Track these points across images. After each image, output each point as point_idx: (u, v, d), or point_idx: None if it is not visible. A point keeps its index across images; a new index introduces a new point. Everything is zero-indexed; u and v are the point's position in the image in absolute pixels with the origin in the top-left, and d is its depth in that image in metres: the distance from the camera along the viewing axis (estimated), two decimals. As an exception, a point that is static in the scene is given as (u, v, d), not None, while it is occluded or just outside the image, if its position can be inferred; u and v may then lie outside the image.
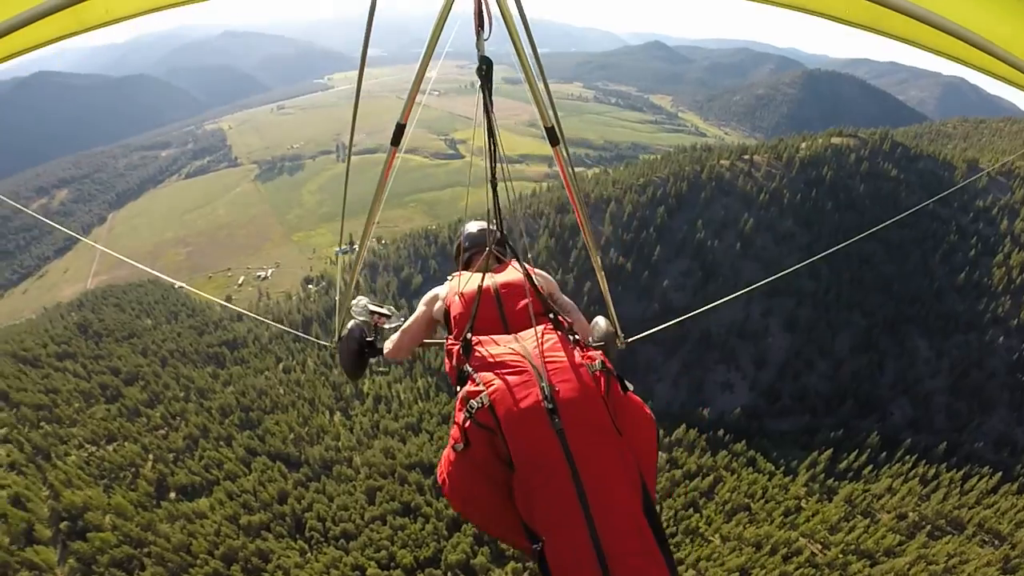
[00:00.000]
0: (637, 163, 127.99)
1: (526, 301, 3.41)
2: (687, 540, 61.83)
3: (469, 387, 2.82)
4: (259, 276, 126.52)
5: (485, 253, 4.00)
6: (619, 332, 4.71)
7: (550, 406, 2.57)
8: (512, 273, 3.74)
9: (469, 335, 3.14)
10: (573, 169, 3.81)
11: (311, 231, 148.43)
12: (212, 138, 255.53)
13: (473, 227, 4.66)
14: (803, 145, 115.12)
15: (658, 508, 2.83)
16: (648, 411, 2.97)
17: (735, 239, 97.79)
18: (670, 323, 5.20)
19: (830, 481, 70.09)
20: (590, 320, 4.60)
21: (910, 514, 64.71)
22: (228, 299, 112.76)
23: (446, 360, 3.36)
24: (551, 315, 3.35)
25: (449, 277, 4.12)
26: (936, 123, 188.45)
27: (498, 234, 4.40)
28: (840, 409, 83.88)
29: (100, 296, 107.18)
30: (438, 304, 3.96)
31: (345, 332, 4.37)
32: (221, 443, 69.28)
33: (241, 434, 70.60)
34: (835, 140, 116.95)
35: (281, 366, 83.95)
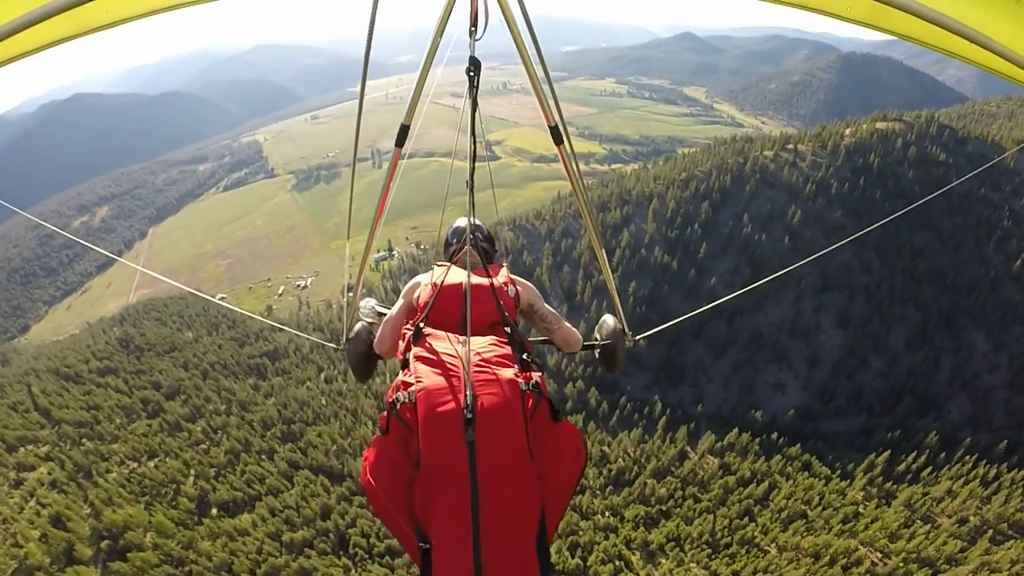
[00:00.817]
0: (676, 157, 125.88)
1: (488, 308, 3.42)
2: (743, 551, 59.90)
3: (403, 376, 2.92)
4: (299, 285, 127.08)
5: (464, 251, 4.02)
6: (627, 330, 4.62)
7: (469, 415, 2.59)
8: (494, 276, 3.74)
9: (422, 324, 3.28)
10: (579, 167, 3.75)
11: (351, 238, 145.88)
12: (248, 150, 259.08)
13: (463, 222, 4.58)
14: (847, 132, 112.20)
15: (551, 546, 2.83)
16: (580, 444, 3.02)
17: (783, 233, 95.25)
18: (674, 321, 5.19)
19: (888, 485, 67.64)
20: (598, 319, 4.70)
21: (971, 518, 62.08)
22: (269, 309, 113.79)
23: (399, 342, 3.48)
24: (508, 328, 3.35)
25: (434, 265, 4.12)
26: (979, 102, 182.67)
27: (476, 233, 4.15)
28: (896, 408, 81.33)
29: (142, 310, 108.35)
30: (416, 292, 3.94)
31: (352, 334, 4.37)
32: (263, 457, 68.68)
33: (283, 447, 69.96)
34: (880, 125, 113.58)
35: (323, 376, 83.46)
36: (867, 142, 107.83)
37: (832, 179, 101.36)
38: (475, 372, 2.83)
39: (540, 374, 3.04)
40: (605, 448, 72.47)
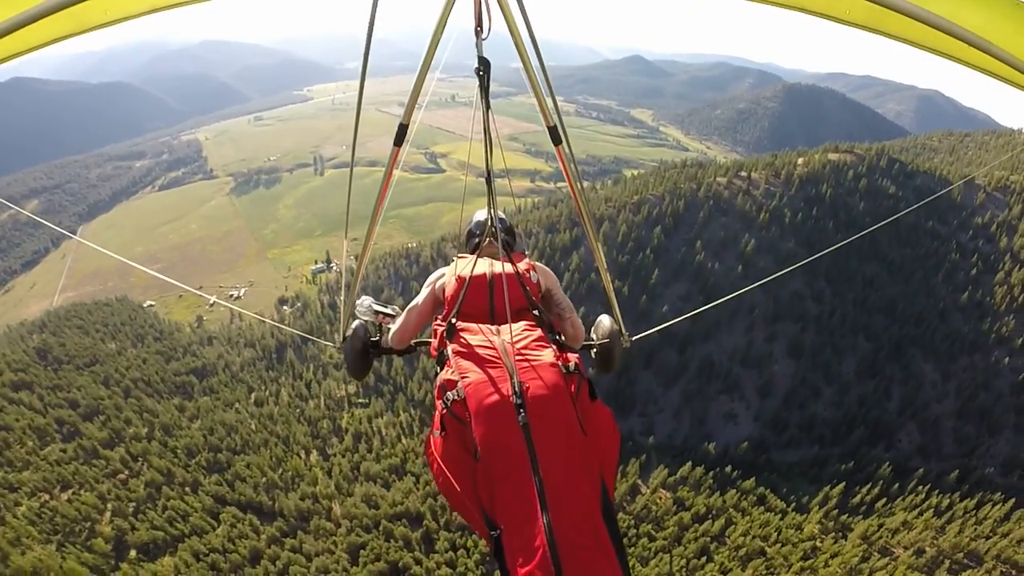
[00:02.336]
0: (629, 179, 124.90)
1: (515, 295, 3.50)
2: (704, 594, 57.56)
3: (446, 374, 2.97)
4: (231, 295, 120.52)
5: (486, 241, 4.25)
6: (623, 330, 4.52)
7: (518, 401, 2.65)
8: (517, 263, 3.82)
9: (454, 319, 3.34)
10: (577, 167, 3.75)
11: (287, 247, 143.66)
12: (188, 149, 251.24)
13: (482, 215, 4.59)
14: (800, 161, 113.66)
15: (617, 513, 3.05)
16: (613, 422, 3.04)
17: (736, 261, 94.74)
18: (672, 321, 5.47)
19: (844, 517, 67.48)
20: (594, 319, 4.63)
21: (927, 549, 62.72)
22: (199, 320, 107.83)
23: (432, 339, 3.54)
24: (536, 311, 3.48)
25: (455, 258, 4.24)
26: (921, 137, 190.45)
27: (498, 224, 4.40)
28: (848, 438, 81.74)
29: (64, 316, 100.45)
30: (439, 283, 3.99)
31: (350, 332, 4.37)
32: (186, 490, 63.32)
33: (208, 479, 64.77)
34: (832, 156, 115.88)
35: (253, 398, 78.60)
36: (819, 173, 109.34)
37: (785, 208, 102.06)
38: (517, 359, 2.86)
39: (577, 355, 3.07)
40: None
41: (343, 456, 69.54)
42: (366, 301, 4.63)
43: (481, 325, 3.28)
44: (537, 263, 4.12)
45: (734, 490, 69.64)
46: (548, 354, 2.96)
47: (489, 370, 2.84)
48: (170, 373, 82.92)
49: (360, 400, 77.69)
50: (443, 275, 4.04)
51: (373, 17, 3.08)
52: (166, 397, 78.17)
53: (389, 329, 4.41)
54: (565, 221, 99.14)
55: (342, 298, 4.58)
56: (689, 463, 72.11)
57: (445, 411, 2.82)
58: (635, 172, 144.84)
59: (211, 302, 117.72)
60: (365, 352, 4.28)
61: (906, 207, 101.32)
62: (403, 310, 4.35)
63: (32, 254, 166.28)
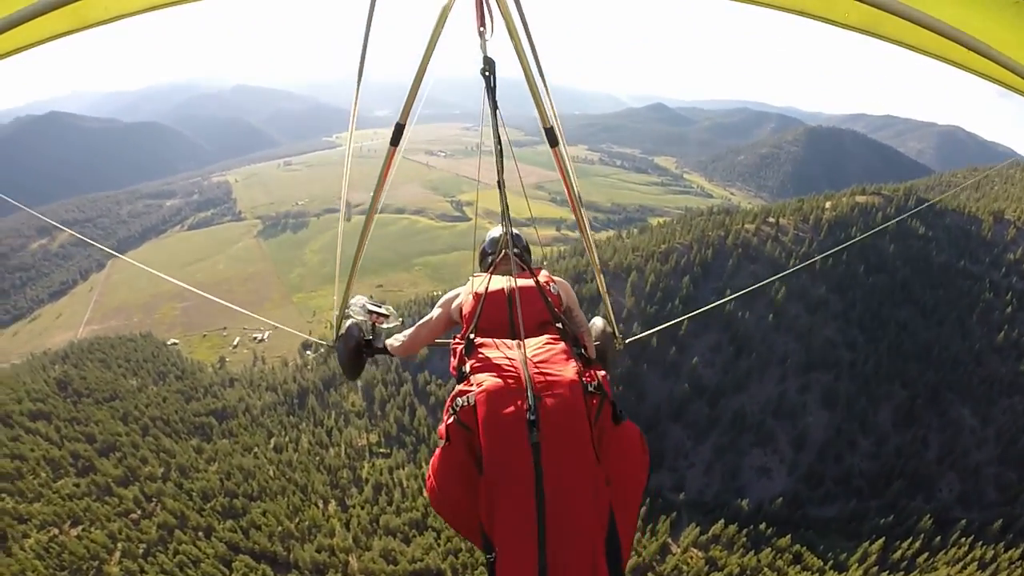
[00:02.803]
0: (656, 228, 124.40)
1: (536, 308, 3.47)
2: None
3: (462, 386, 2.91)
4: (255, 338, 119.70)
5: (500, 257, 4.20)
6: (617, 333, 4.64)
7: (532, 418, 2.54)
8: (532, 279, 3.75)
9: (472, 335, 3.27)
10: (572, 169, 3.80)
11: (312, 292, 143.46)
12: (218, 190, 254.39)
13: (497, 232, 4.56)
14: (827, 205, 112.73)
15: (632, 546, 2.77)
16: (642, 443, 2.94)
17: (766, 309, 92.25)
18: (664, 325, 5.42)
19: (884, 574, 64.42)
20: (588, 321, 4.44)
21: None
22: (222, 360, 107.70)
23: (451, 358, 3.41)
24: (559, 325, 3.39)
25: (471, 277, 4.11)
26: (946, 174, 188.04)
27: (512, 237, 4.22)
28: (887, 490, 78.18)
29: (87, 349, 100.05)
30: (455, 303, 3.95)
31: (343, 331, 4.42)
32: (199, 535, 61.29)
33: (222, 524, 62.71)
34: (859, 199, 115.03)
35: (272, 443, 76.84)
36: (847, 216, 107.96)
37: (815, 254, 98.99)
38: (535, 374, 2.76)
39: (603, 373, 2.96)
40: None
41: (362, 508, 67.23)
42: (360, 300, 4.67)
43: (501, 340, 3.14)
44: (556, 277, 4.02)
45: (769, 548, 66.44)
46: (570, 370, 2.80)
47: (505, 382, 2.70)
48: (189, 413, 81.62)
49: (382, 450, 75.95)
50: (458, 295, 3.97)
51: (369, 23, 3.39)
52: (184, 437, 76.78)
53: (382, 329, 4.45)
54: (592, 272, 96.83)
55: (336, 297, 4.54)
56: (721, 520, 69.13)
57: (452, 419, 2.71)
58: (661, 220, 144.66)
59: (235, 343, 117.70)
60: (358, 351, 4.29)
61: (936, 247, 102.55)
62: (396, 311, 4.36)
63: (60, 284, 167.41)
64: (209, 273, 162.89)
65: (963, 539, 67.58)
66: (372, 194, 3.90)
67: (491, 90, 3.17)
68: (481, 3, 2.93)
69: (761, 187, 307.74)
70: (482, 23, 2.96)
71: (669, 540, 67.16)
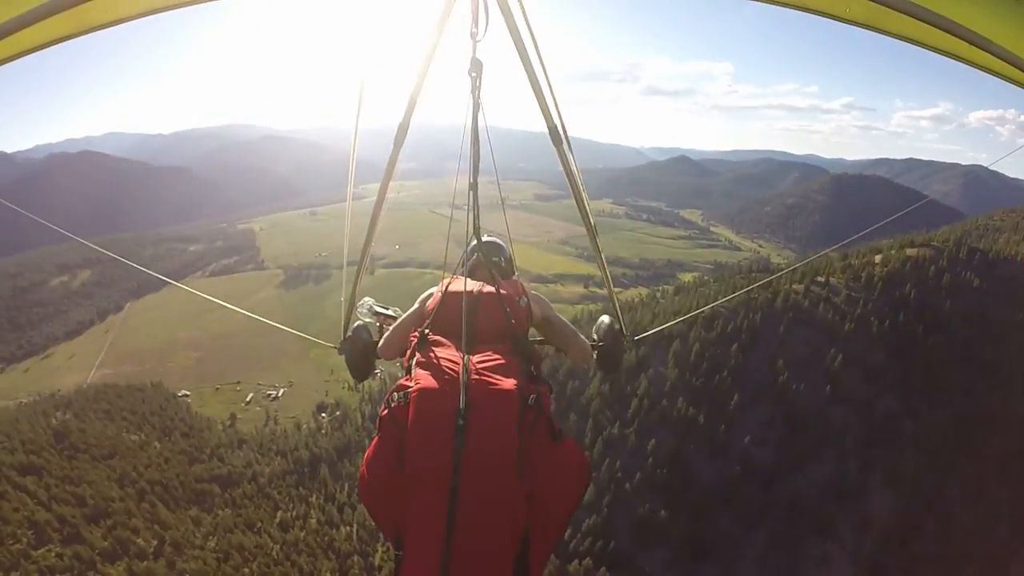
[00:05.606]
0: (695, 287, 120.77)
1: (494, 317, 3.39)
2: None
3: (403, 381, 2.90)
4: (269, 395, 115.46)
5: (474, 260, 4.20)
6: (624, 330, 4.60)
7: (460, 422, 2.53)
8: (504, 287, 3.69)
9: (427, 331, 3.24)
10: (577, 168, 3.76)
11: (331, 348, 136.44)
12: (242, 238, 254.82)
13: (486, 239, 4.50)
14: (877, 259, 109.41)
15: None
16: (583, 463, 2.97)
17: (822, 379, 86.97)
18: (676, 321, 5.86)
19: None
20: (595, 319, 4.62)
21: None
22: (233, 418, 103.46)
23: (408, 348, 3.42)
24: (516, 338, 3.33)
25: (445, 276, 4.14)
26: (981, 217, 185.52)
27: (498, 248, 4.50)
28: None
29: (93, 397, 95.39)
30: (428, 302, 3.87)
31: (351, 333, 4.36)
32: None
33: (215, 621, 56.18)
34: (909, 252, 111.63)
35: (278, 518, 70.57)
36: (899, 271, 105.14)
37: (871, 315, 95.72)
38: (475, 380, 2.73)
39: (546, 388, 2.97)
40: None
41: (374, 604, 60.60)
42: (367, 302, 4.65)
43: (455, 342, 3.09)
44: (533, 292, 3.90)
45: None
46: (509, 381, 2.73)
47: (443, 383, 2.68)
48: (191, 478, 76.42)
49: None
50: (432, 293, 3.87)
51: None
52: (183, 506, 71.39)
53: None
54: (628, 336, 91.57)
55: (343, 298, 4.48)
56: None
57: (387, 412, 2.72)
58: (691, 276, 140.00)
59: (247, 399, 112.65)
60: (366, 354, 4.15)
61: (993, 300, 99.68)
62: (404, 312, 4.19)
63: (76, 324, 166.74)
64: (227, 323, 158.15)
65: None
66: (377, 195, 4.08)
67: (476, 91, 3.15)
68: (477, 3, 2.92)
69: (790, 238, 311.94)
70: (475, 24, 2.96)
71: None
